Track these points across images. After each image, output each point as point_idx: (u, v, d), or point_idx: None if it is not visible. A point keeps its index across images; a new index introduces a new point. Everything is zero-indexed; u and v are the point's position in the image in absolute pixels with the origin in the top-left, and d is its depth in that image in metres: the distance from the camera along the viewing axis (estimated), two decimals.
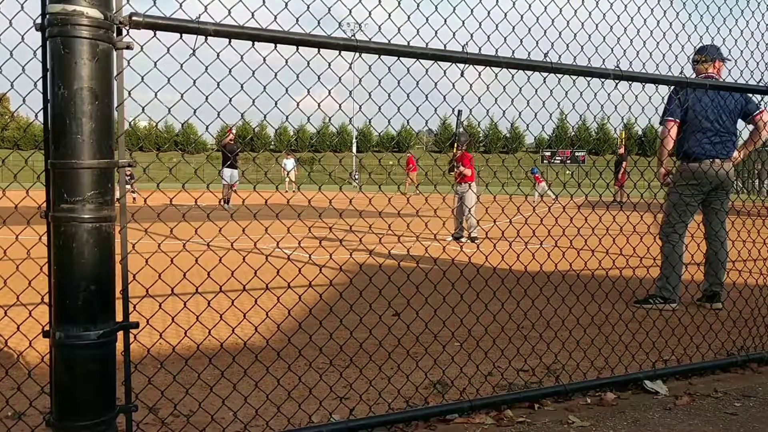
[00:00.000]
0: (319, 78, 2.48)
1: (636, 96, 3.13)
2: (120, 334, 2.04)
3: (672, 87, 4.62)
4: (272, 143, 61.39)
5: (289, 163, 32.47)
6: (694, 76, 5.14)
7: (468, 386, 3.08)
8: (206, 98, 2.17)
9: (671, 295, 5.02)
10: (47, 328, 1.92)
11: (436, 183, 2.99)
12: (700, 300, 5.14)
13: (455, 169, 10.03)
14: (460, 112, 9.72)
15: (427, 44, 2.55)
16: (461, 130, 10.71)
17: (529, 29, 2.85)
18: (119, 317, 2.02)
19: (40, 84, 1.95)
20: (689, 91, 4.97)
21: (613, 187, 21.44)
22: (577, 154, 55.29)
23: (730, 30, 3.54)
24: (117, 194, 1.97)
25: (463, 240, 9.99)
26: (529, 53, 2.80)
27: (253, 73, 2.28)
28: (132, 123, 2.21)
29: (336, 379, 3.10)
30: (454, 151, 10.20)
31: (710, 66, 5.15)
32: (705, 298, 5.13)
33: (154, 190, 2.34)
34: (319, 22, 2.45)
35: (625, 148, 23.64)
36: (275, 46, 2.28)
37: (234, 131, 16.80)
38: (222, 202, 16.69)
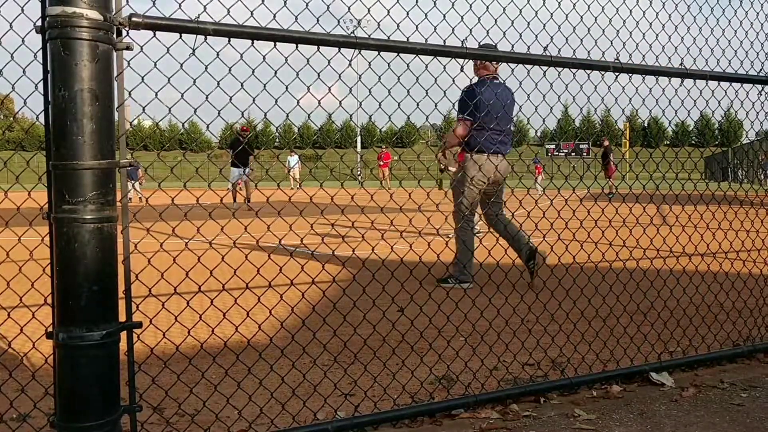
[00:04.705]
0: (318, 75, 2.47)
1: (636, 88, 3.12)
2: (123, 334, 2.04)
3: (468, 85, 5.34)
4: (276, 140, 61.53)
5: (292, 160, 32.50)
6: (479, 77, 5.71)
7: (473, 381, 3.08)
8: (206, 97, 2.17)
9: (468, 277, 5.33)
10: (50, 329, 1.93)
11: (438, 178, 2.99)
12: (528, 264, 5.43)
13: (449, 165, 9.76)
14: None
15: (426, 40, 2.55)
16: None
17: (528, 23, 2.84)
18: (122, 317, 2.02)
19: (41, 86, 1.95)
20: (485, 89, 5.46)
21: (602, 179, 21.48)
22: (581, 146, 55.25)
23: (729, 20, 3.53)
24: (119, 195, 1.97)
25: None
26: (528, 47, 2.80)
27: (253, 71, 2.28)
28: (137, 123, 2.22)
29: (340, 376, 3.10)
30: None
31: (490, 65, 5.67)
32: (527, 259, 5.39)
33: (156, 190, 2.34)
34: (318, 20, 2.45)
35: (608, 140, 23.74)
36: (275, 45, 2.28)
37: (240, 128, 16.57)
38: (246, 200, 16.45)
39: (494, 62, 5.50)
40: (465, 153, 5.73)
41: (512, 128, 5.85)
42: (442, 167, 5.87)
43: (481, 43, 5.33)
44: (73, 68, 1.82)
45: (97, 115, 1.86)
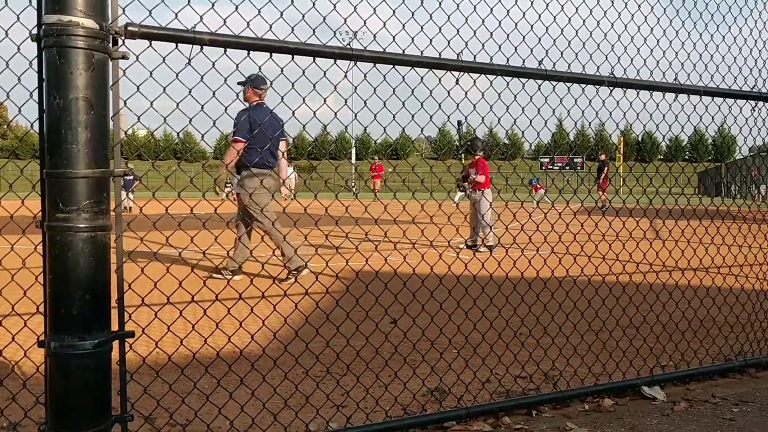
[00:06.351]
0: (314, 86, 2.48)
1: (631, 102, 3.14)
2: (115, 344, 2.03)
3: (242, 110, 6.38)
4: None
5: (289, 170, 32.47)
6: (249, 102, 6.48)
7: (465, 393, 3.07)
8: (202, 107, 2.17)
9: (239, 270, 6.11)
10: (42, 337, 1.92)
11: (432, 190, 2.99)
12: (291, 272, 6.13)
13: (470, 177, 9.71)
14: (459, 122, 9.92)
15: (422, 52, 2.56)
16: (476, 136, 10.57)
17: (524, 37, 2.86)
18: (115, 326, 2.02)
19: (35, 94, 1.95)
20: (259, 113, 6.45)
21: (596, 194, 21.38)
22: (575, 160, 55.44)
23: (723, 36, 3.55)
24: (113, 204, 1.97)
25: (481, 249, 9.46)
26: (523, 61, 2.82)
27: None
28: (131, 131, 2.22)
29: (333, 387, 3.09)
30: (471, 157, 9.83)
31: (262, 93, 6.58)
32: (294, 269, 6.11)
33: (150, 199, 2.34)
34: (314, 31, 2.45)
35: (606, 155, 23.66)
36: (270, 55, 2.29)
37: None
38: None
39: (262, 89, 6.45)
40: (246, 170, 6.62)
41: (279, 147, 6.89)
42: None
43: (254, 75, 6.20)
44: (69, 76, 1.82)
45: (92, 124, 1.86)
